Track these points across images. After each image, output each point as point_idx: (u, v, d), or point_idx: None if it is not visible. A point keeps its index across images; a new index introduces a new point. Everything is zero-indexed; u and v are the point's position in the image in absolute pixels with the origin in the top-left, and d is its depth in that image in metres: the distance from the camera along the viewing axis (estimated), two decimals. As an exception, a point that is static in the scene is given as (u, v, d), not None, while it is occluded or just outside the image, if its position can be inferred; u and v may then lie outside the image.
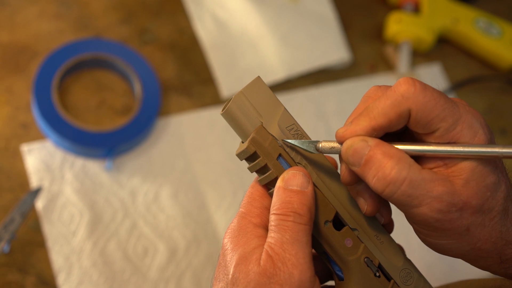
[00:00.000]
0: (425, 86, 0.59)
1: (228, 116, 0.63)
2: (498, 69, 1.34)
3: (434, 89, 0.59)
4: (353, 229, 0.65)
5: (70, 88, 1.14)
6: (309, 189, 0.62)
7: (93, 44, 1.15)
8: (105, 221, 1.06)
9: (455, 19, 1.32)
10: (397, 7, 1.35)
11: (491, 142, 0.60)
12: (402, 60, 1.28)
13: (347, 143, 0.61)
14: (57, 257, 1.02)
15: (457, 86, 1.31)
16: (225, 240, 0.63)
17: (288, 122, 0.65)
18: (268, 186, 0.65)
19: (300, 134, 0.65)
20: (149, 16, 1.24)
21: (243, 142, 0.65)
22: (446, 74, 1.32)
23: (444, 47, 1.35)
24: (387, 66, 1.31)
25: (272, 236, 0.60)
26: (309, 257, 0.60)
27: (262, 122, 0.64)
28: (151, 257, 1.05)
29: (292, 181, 0.62)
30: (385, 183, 0.59)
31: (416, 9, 1.33)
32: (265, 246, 0.60)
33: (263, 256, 0.59)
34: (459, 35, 1.33)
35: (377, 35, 1.33)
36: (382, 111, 0.59)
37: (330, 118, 1.23)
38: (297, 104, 1.22)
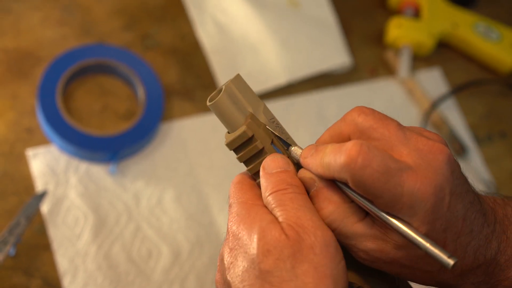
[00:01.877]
0: (369, 162, 0.57)
1: (219, 106, 0.65)
2: (498, 73, 1.36)
3: (378, 164, 0.57)
4: None
5: (74, 93, 1.15)
6: (291, 168, 0.64)
7: (96, 49, 1.16)
8: (109, 224, 1.07)
9: (454, 24, 1.33)
10: (397, 12, 1.36)
11: (432, 222, 0.59)
12: (403, 64, 1.30)
13: (301, 173, 0.64)
14: (62, 260, 1.03)
15: (456, 90, 1.32)
16: (234, 227, 0.63)
17: (270, 115, 0.67)
18: (258, 175, 0.66)
19: (280, 127, 0.67)
20: (152, 21, 1.25)
21: (229, 133, 0.66)
22: (446, 78, 1.33)
23: (444, 52, 1.36)
24: (388, 70, 1.32)
25: (280, 212, 0.61)
26: (322, 220, 0.61)
27: (250, 112, 0.65)
28: (155, 260, 1.06)
29: (273, 164, 0.64)
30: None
31: (416, 14, 1.35)
32: (280, 221, 0.61)
33: (284, 226, 0.60)
34: (458, 40, 1.34)
35: (378, 39, 1.35)
36: (326, 165, 0.61)
37: (331, 122, 1.22)
38: (298, 108, 1.23)
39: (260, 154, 0.65)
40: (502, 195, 0.69)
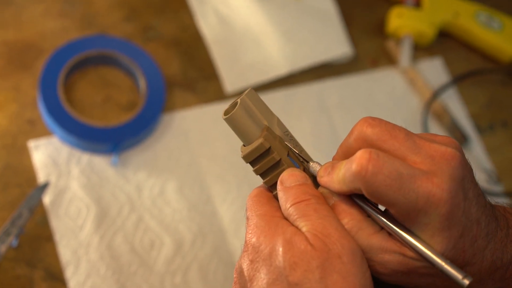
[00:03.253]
0: (379, 169, 0.57)
1: (235, 119, 0.65)
2: (499, 62, 1.35)
3: (390, 171, 0.58)
4: None
5: (75, 84, 1.15)
6: (309, 181, 0.65)
7: (98, 41, 1.17)
8: (112, 215, 1.07)
9: (455, 13, 1.33)
10: (398, 2, 1.36)
11: (444, 223, 0.59)
12: (404, 54, 1.29)
13: (320, 189, 0.65)
14: (65, 251, 1.03)
15: (458, 79, 1.32)
16: (253, 239, 0.62)
17: (284, 128, 0.67)
18: (275, 187, 0.66)
19: (294, 140, 0.68)
20: (153, 13, 1.25)
21: (244, 146, 0.66)
22: (447, 68, 1.33)
23: (445, 41, 1.36)
24: (389, 60, 1.32)
25: (304, 223, 0.61)
26: (346, 229, 0.61)
27: (266, 125, 0.66)
28: (158, 250, 1.06)
29: (292, 178, 0.64)
30: None
31: (417, 4, 1.34)
32: (304, 232, 0.60)
33: (309, 236, 0.60)
34: (460, 29, 1.34)
35: (379, 29, 1.34)
36: (342, 179, 0.61)
37: (332, 112, 1.24)
38: (299, 98, 1.23)
39: (277, 166, 0.65)
40: (510, 205, 0.70)
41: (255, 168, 0.66)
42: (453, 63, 1.34)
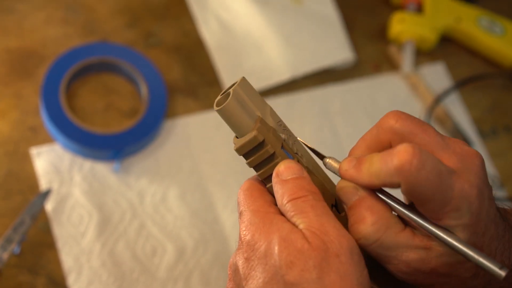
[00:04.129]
0: (423, 164, 0.57)
1: (227, 110, 0.63)
2: (501, 67, 1.35)
3: (432, 167, 0.57)
4: None
5: (77, 91, 1.16)
6: (306, 174, 0.63)
7: (99, 48, 1.17)
8: (114, 222, 1.07)
9: (457, 18, 1.33)
10: (400, 7, 1.36)
11: (476, 227, 0.59)
12: (406, 59, 1.29)
13: (341, 183, 0.63)
14: (67, 258, 1.04)
15: (460, 84, 1.32)
16: (248, 236, 0.61)
17: (277, 118, 0.66)
18: (269, 180, 0.65)
19: (288, 130, 0.66)
20: (154, 19, 1.25)
21: (237, 137, 0.65)
22: (450, 73, 1.33)
23: (447, 46, 1.36)
24: (391, 65, 1.32)
25: (301, 220, 0.60)
26: (342, 227, 0.60)
27: (259, 116, 0.64)
28: (160, 257, 1.06)
29: (288, 171, 0.63)
30: (359, 235, 0.61)
31: (419, 9, 1.34)
32: (301, 229, 0.59)
33: (306, 234, 0.59)
34: (462, 34, 1.34)
35: (381, 35, 1.34)
36: (375, 173, 0.60)
37: (334, 118, 1.24)
38: (302, 104, 1.23)
39: (271, 159, 0.64)
40: (508, 206, 0.70)
41: (249, 161, 0.64)
42: (455, 68, 1.34)
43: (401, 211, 0.60)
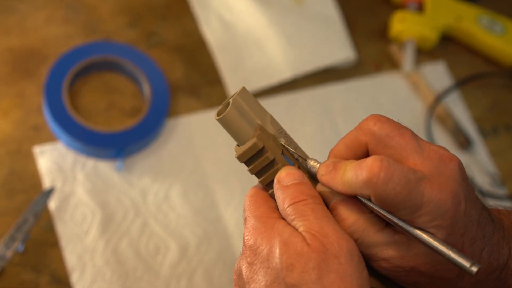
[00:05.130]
0: (390, 176, 0.58)
1: (228, 119, 0.65)
2: (502, 66, 1.36)
3: (400, 178, 0.58)
4: None
5: (80, 90, 1.16)
6: (306, 180, 0.65)
7: (101, 47, 1.17)
8: (117, 220, 1.07)
9: (458, 17, 1.34)
10: (400, 6, 1.37)
11: (451, 231, 0.60)
12: (407, 58, 1.30)
13: (319, 188, 0.65)
14: (70, 256, 1.04)
15: (461, 83, 1.32)
16: (251, 241, 0.62)
17: (278, 126, 0.68)
18: (270, 186, 0.66)
19: (289, 137, 0.68)
20: (156, 19, 1.26)
21: (238, 146, 0.67)
22: (450, 72, 1.34)
23: (448, 45, 1.36)
24: (392, 64, 1.32)
25: (301, 223, 0.61)
26: (343, 229, 0.62)
27: (259, 124, 0.66)
28: (163, 255, 1.07)
29: (289, 177, 0.64)
30: None
31: (420, 8, 1.35)
32: (301, 232, 0.60)
33: (306, 236, 0.60)
34: (462, 33, 1.35)
35: (382, 34, 1.35)
36: (348, 183, 0.61)
37: (336, 117, 1.24)
38: (303, 103, 1.23)
39: (271, 165, 0.65)
40: (503, 207, 0.70)
41: (250, 168, 0.66)
42: (456, 67, 1.35)
43: (378, 211, 0.61)
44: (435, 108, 1.27)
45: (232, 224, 1.11)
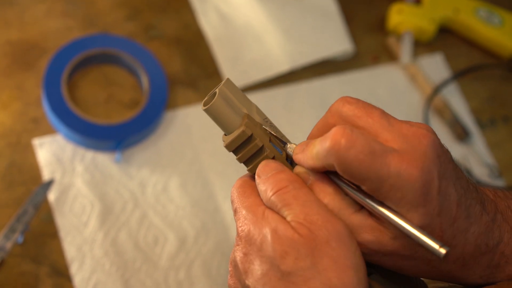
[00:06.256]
0: (352, 143, 0.58)
1: (214, 109, 0.65)
2: (500, 58, 1.36)
3: (363, 145, 0.58)
4: None
5: (79, 83, 1.16)
6: (285, 168, 0.65)
7: (100, 39, 1.18)
8: (116, 212, 1.08)
9: (456, 9, 1.34)
10: (398, -1, 1.37)
11: (421, 202, 0.58)
12: (405, 50, 1.30)
13: (296, 169, 0.65)
14: (70, 247, 1.04)
15: (459, 75, 1.32)
16: (244, 232, 0.63)
17: (263, 116, 0.68)
18: None
19: (274, 126, 0.68)
20: (155, 12, 1.26)
21: (226, 135, 0.67)
22: (448, 63, 1.34)
23: (445, 37, 1.37)
24: (390, 56, 1.33)
25: (286, 212, 0.61)
26: (329, 210, 0.61)
27: (246, 113, 0.66)
28: (162, 246, 1.07)
29: (267, 169, 0.65)
30: None
31: (417, 0, 1.35)
32: (289, 221, 0.61)
33: (295, 226, 0.60)
34: (460, 25, 1.35)
35: (379, 26, 1.35)
36: (316, 155, 0.61)
37: (334, 109, 1.25)
38: (301, 95, 1.24)
39: (260, 153, 0.66)
40: (503, 188, 0.69)
41: (238, 156, 0.66)
42: (454, 58, 1.35)
43: (351, 192, 0.61)
44: (432, 100, 1.28)
45: (230, 216, 1.11)
